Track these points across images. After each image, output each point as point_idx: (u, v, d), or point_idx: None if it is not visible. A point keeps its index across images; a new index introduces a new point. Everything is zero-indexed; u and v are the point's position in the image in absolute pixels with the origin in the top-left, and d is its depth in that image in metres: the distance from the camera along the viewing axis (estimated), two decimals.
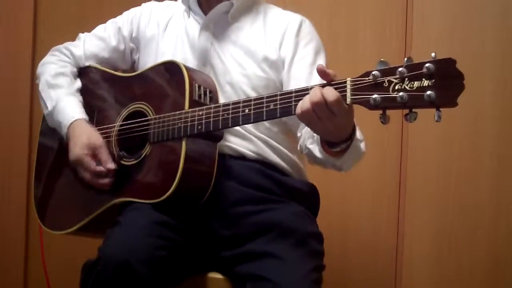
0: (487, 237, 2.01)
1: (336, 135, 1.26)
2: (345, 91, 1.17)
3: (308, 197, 1.55)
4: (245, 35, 1.57)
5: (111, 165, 1.45)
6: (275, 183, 1.48)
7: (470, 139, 2.02)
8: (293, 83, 1.49)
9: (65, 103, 1.55)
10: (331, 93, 1.16)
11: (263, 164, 1.49)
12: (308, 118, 1.20)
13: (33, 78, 2.14)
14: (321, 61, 1.55)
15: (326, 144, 1.32)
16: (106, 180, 1.45)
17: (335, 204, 2.16)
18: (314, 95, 1.17)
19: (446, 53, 2.09)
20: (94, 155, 1.46)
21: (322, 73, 1.21)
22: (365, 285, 2.17)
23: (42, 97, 1.60)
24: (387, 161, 2.17)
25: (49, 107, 1.56)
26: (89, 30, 1.71)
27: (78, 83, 1.62)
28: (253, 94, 1.48)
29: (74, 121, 1.52)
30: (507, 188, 2.00)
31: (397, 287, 2.13)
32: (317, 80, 1.38)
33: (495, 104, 2.02)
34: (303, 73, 1.51)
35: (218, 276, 1.45)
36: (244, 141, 1.50)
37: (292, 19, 1.59)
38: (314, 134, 1.37)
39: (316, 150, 1.39)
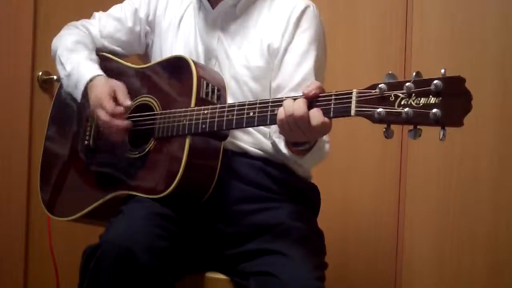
0: (487, 237, 2.01)
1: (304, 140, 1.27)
2: (350, 102, 1.15)
3: (309, 197, 1.55)
4: (252, 27, 1.54)
5: (128, 103, 1.43)
6: (275, 182, 1.48)
7: (470, 139, 2.03)
8: (282, 71, 1.48)
9: (85, 65, 1.52)
10: (317, 118, 1.17)
11: (265, 161, 1.49)
12: (285, 128, 1.21)
13: (33, 78, 2.15)
14: (313, 51, 1.49)
15: (290, 143, 1.32)
16: (120, 122, 1.42)
17: (336, 203, 2.16)
18: (299, 112, 1.18)
19: (446, 53, 2.11)
20: (114, 97, 1.44)
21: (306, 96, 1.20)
22: (365, 283, 2.17)
23: (60, 61, 1.57)
24: (387, 161, 2.17)
25: (68, 69, 1.54)
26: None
27: (97, 57, 1.60)
28: (255, 86, 1.48)
29: (96, 75, 1.49)
30: (507, 188, 2.00)
31: (397, 286, 2.14)
32: (304, 71, 1.43)
33: (496, 104, 2.02)
34: (292, 61, 1.48)
35: (219, 275, 1.45)
36: (248, 136, 1.49)
37: (298, 4, 1.52)
38: None
39: (282, 145, 1.38)
